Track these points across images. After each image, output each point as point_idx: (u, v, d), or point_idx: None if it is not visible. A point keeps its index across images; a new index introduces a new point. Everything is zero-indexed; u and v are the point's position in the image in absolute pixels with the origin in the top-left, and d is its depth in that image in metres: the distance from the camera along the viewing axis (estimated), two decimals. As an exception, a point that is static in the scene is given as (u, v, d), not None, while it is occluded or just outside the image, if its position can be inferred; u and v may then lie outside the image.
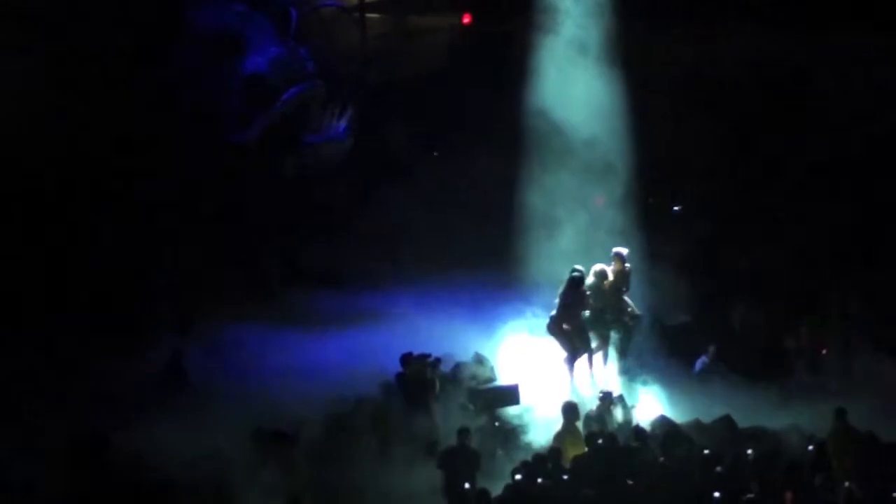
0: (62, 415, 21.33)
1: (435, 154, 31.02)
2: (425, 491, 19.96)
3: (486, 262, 27.68)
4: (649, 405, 23.66)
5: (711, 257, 27.58)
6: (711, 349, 25.73)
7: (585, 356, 24.44)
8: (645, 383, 24.42)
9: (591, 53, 27.35)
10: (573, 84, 27.40)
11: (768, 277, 27.42)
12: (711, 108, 29.06)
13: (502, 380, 24.05)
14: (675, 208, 27.66)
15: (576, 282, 24.26)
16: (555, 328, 24.37)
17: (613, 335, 24.76)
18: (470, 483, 19.37)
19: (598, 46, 27.35)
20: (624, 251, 24.92)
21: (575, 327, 24.27)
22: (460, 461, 20.08)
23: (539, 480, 18.91)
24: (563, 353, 24.36)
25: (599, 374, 24.48)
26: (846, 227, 28.10)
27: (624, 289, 24.72)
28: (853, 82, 29.10)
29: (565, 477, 19.12)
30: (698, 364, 25.60)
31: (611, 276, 24.55)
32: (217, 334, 25.55)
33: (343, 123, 29.76)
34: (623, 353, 24.78)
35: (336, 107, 29.79)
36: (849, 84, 29.17)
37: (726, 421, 22.16)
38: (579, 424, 21.63)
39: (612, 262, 24.76)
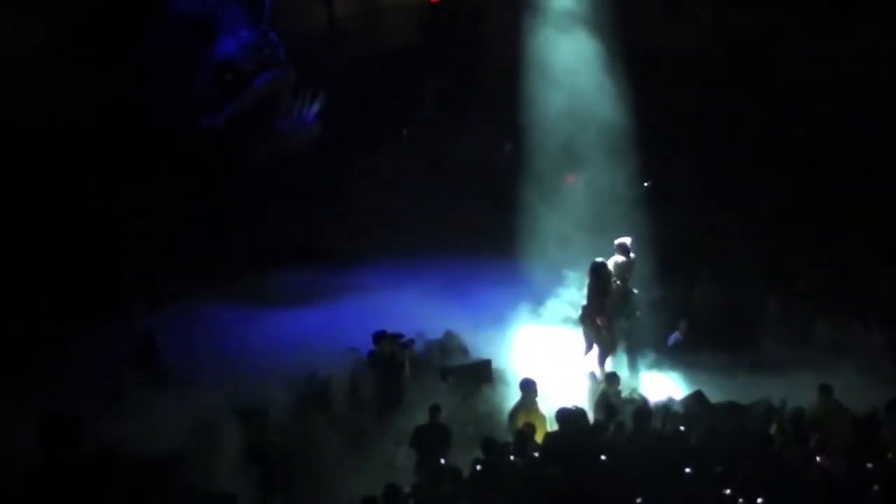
0: (33, 394, 21.28)
1: (404, 132, 31.05)
2: (397, 468, 20.02)
3: (470, 241, 27.72)
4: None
5: (682, 232, 27.47)
6: (683, 324, 25.82)
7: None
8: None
9: (565, 25, 27.46)
10: (546, 57, 27.47)
11: (736, 250, 27.46)
12: (678, 81, 29.04)
13: (475, 356, 24.16)
14: (646, 184, 27.56)
15: (594, 268, 23.97)
16: (586, 319, 24.15)
17: (623, 327, 24.47)
18: (443, 460, 19.38)
19: (570, 18, 27.48)
20: (627, 241, 24.51)
21: (605, 319, 23.99)
22: (432, 438, 20.15)
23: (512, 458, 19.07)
24: (587, 347, 24.15)
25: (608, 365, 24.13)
26: (813, 198, 28.16)
27: (629, 280, 24.40)
28: (822, 56, 29.05)
29: (536, 454, 19.16)
30: (671, 339, 25.69)
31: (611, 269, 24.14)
32: (189, 313, 25.50)
33: (314, 110, 29.71)
34: (634, 346, 24.59)
35: (307, 93, 29.75)
36: (818, 58, 29.13)
37: (697, 396, 22.22)
38: (538, 401, 21.52)
39: (616, 253, 24.39)
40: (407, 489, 17.99)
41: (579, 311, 24.50)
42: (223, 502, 18.17)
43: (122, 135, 27.49)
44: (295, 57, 29.58)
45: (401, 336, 23.18)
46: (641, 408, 20.66)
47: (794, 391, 21.22)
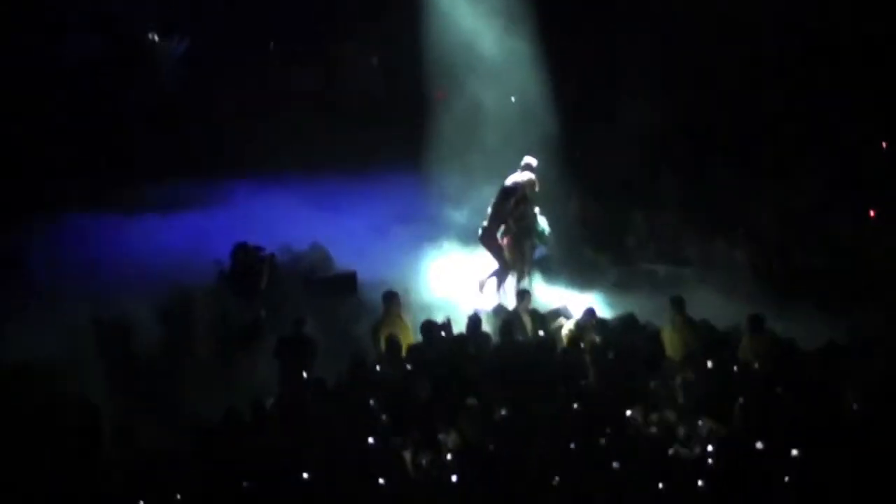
0: None
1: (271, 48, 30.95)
2: (262, 380, 20.02)
3: (350, 159, 27.69)
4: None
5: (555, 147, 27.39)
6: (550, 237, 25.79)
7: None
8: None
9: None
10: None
11: (604, 167, 27.55)
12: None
13: (340, 268, 24.14)
14: (512, 98, 27.44)
15: (504, 192, 23.55)
16: (486, 240, 23.72)
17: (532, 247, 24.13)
18: (307, 372, 19.43)
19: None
20: (534, 161, 23.99)
21: (509, 240, 23.69)
22: (296, 350, 20.08)
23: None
24: (494, 266, 23.74)
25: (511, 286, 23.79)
26: (684, 114, 28.29)
27: (534, 200, 23.77)
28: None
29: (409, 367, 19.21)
30: (537, 253, 25.60)
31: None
32: (57, 223, 25.28)
33: (179, 49, 29.74)
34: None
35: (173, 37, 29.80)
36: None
37: (562, 310, 22.33)
38: (404, 315, 21.36)
39: (522, 172, 23.85)
40: (271, 401, 18.07)
41: (480, 232, 24.05)
42: (87, 411, 18.08)
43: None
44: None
45: (260, 248, 23.09)
46: (506, 320, 20.79)
47: (658, 306, 21.39)
